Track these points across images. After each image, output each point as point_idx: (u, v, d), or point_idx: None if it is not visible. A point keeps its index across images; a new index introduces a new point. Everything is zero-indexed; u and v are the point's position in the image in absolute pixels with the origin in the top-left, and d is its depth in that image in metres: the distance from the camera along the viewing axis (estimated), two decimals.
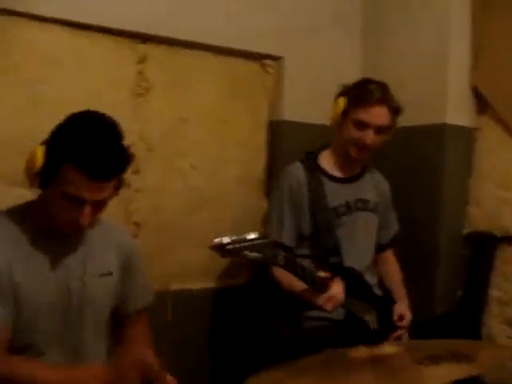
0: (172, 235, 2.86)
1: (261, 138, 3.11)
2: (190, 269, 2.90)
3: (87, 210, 1.78)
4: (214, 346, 2.95)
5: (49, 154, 1.77)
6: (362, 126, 2.49)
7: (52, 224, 1.86)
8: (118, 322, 2.12)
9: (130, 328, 2.12)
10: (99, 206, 1.82)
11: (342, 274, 2.38)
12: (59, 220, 1.83)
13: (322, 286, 2.23)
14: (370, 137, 2.49)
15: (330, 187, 2.58)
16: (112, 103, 2.61)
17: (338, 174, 2.63)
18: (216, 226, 2.92)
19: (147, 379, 1.70)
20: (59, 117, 2.39)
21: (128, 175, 2.54)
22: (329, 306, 2.25)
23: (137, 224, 2.74)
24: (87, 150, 1.73)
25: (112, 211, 1.97)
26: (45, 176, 1.78)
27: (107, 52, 2.66)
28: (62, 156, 1.74)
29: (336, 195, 2.58)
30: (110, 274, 2.01)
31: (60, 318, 1.91)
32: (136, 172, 2.71)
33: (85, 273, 1.95)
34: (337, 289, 2.26)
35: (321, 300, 2.24)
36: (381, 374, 1.63)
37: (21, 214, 1.91)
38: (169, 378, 1.78)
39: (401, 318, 2.64)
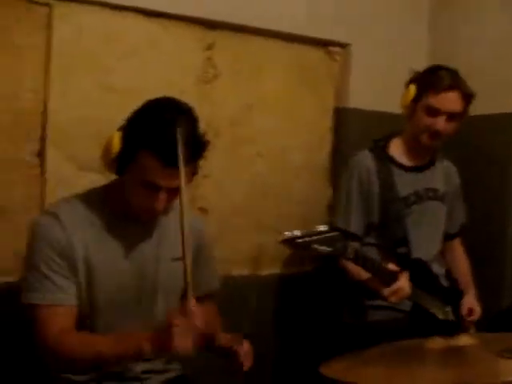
0: (237, 221, 2.88)
1: (326, 124, 3.10)
2: (255, 254, 2.92)
3: (162, 196, 1.80)
4: (278, 333, 2.97)
5: (126, 141, 1.78)
6: (434, 112, 2.46)
7: (127, 208, 1.89)
8: None
9: None
10: (174, 192, 1.83)
11: (410, 265, 2.36)
12: (135, 206, 1.85)
13: (389, 279, 2.22)
14: (441, 123, 2.45)
15: (399, 176, 2.56)
16: (180, 90, 2.63)
17: (407, 162, 2.60)
18: (280, 212, 2.93)
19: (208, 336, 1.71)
20: (130, 103, 2.44)
21: None
22: (393, 299, 2.24)
23: (202, 209, 2.77)
24: (164, 138, 1.73)
25: None
26: (122, 162, 1.80)
27: (177, 39, 2.68)
28: (140, 143, 1.76)
29: (406, 184, 2.56)
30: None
31: (133, 302, 1.95)
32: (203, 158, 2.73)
33: (158, 257, 1.98)
34: (404, 282, 2.24)
35: (387, 291, 2.22)
36: (458, 365, 1.61)
37: (96, 198, 1.94)
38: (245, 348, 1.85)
39: (470, 311, 2.61)
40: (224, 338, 1.96)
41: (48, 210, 1.91)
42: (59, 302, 1.82)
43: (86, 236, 1.87)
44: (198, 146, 1.81)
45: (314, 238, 1.84)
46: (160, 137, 1.74)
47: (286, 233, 1.82)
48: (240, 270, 2.87)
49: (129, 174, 1.82)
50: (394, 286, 2.22)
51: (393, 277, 2.22)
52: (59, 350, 1.78)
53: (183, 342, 1.63)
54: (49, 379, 1.96)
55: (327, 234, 1.88)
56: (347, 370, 1.61)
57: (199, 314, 1.66)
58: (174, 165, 1.74)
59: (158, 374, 2.03)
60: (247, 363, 1.90)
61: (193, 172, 1.86)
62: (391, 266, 2.25)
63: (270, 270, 2.97)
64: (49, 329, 1.79)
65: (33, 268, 1.83)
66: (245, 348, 1.91)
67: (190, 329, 1.64)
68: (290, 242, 1.82)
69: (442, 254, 2.73)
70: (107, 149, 1.82)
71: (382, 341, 2.12)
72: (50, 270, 1.82)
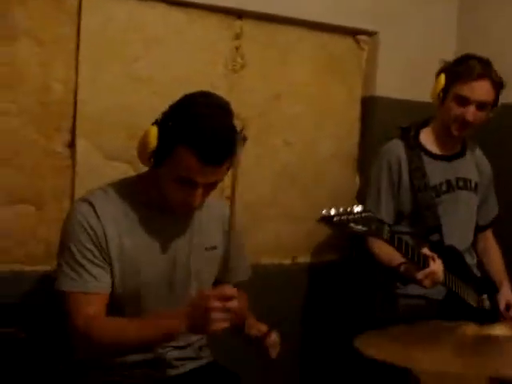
0: (265, 211, 2.89)
1: (354, 113, 3.09)
2: (282, 244, 2.93)
3: (199, 192, 1.80)
4: (304, 321, 2.97)
5: (163, 135, 1.78)
6: (463, 101, 2.44)
7: (161, 200, 1.90)
8: None
9: None
10: (211, 187, 1.85)
11: (443, 252, 2.35)
12: (171, 200, 1.86)
13: (423, 262, 2.20)
14: (471, 113, 2.43)
15: (430, 165, 2.54)
16: (208, 79, 2.66)
17: (438, 151, 2.59)
18: (309, 201, 2.93)
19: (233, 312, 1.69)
20: (158, 93, 2.47)
21: None
22: (427, 282, 2.22)
23: (230, 199, 2.77)
24: (203, 134, 1.73)
25: None
26: (158, 156, 1.80)
27: (204, 28, 2.68)
28: (177, 138, 1.75)
29: (437, 173, 2.55)
30: (215, 247, 2.05)
31: (165, 291, 1.97)
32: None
33: (191, 247, 1.99)
34: (438, 266, 2.22)
35: (420, 275, 2.20)
36: (492, 354, 1.59)
37: (130, 188, 1.95)
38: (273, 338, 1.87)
39: (508, 305, 2.59)
40: (253, 326, 1.97)
41: (84, 198, 1.91)
42: (92, 290, 1.84)
43: (119, 226, 1.89)
44: (234, 143, 1.77)
45: (351, 217, 1.85)
46: (199, 133, 1.74)
47: (324, 211, 1.82)
48: (268, 260, 2.88)
49: (165, 168, 1.81)
50: (428, 270, 2.20)
51: (426, 261, 2.21)
52: (90, 335, 1.79)
53: (219, 324, 1.65)
54: (80, 367, 1.99)
55: (363, 214, 1.88)
56: (379, 347, 1.59)
57: (235, 298, 1.68)
58: (213, 163, 1.75)
59: (191, 360, 2.05)
60: (274, 353, 1.92)
61: (228, 167, 1.86)
62: (425, 251, 2.23)
63: (298, 259, 2.98)
64: (80, 316, 1.81)
65: (67, 255, 1.85)
66: (272, 338, 1.93)
67: (226, 312, 1.65)
68: (327, 219, 1.81)
69: (473, 246, 2.71)
70: (143, 143, 1.82)
71: None
72: (84, 258, 1.84)
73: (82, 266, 1.83)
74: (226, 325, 1.65)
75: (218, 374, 2.08)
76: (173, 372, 2.00)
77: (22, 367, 2.19)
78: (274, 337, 1.94)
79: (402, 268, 2.30)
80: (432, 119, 2.62)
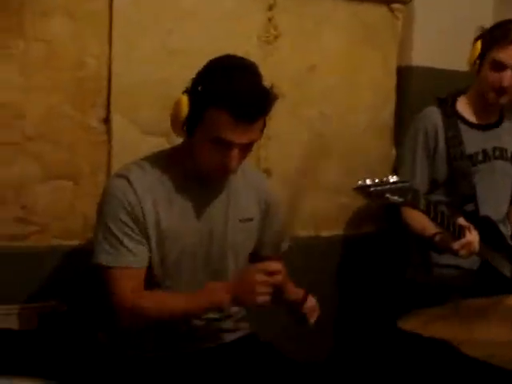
0: (301, 182, 2.87)
1: (390, 84, 3.04)
2: (318, 216, 2.92)
3: (235, 153, 1.80)
4: (341, 294, 2.96)
5: (193, 101, 1.79)
6: (499, 66, 2.40)
7: (197, 170, 1.90)
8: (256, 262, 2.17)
9: None
10: (246, 149, 1.84)
11: (478, 222, 2.32)
12: (207, 166, 1.85)
13: (458, 233, 2.18)
14: (507, 78, 2.39)
15: (467, 134, 2.51)
16: (242, 51, 2.60)
17: (475, 120, 2.56)
18: (345, 172, 2.91)
19: (277, 286, 1.73)
20: (192, 65, 2.44)
21: None
22: (463, 252, 2.20)
23: (266, 171, 2.77)
24: (232, 92, 1.74)
25: None
26: (191, 123, 1.81)
27: (237, 0, 2.66)
28: (207, 101, 1.76)
29: (473, 142, 2.51)
30: (251, 219, 2.05)
31: (202, 263, 1.98)
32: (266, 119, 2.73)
33: (227, 218, 1.99)
34: (474, 237, 2.21)
35: (457, 245, 2.18)
36: None
37: (165, 161, 1.96)
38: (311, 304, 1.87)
39: None
40: (291, 292, 1.99)
41: (120, 173, 1.93)
42: (130, 265, 1.86)
43: (156, 199, 1.89)
44: (265, 99, 1.80)
45: (387, 187, 1.83)
46: (227, 92, 1.74)
47: (360, 181, 1.80)
48: (303, 231, 2.87)
49: (199, 133, 1.82)
50: (464, 240, 2.18)
51: (462, 231, 2.18)
52: (136, 310, 1.83)
53: (263, 298, 1.69)
54: (118, 338, 2.02)
55: (399, 184, 1.86)
56: (424, 324, 1.58)
57: (281, 273, 1.71)
58: (246, 119, 1.75)
59: (229, 332, 2.07)
60: (313, 318, 1.93)
61: (262, 128, 1.85)
62: (461, 221, 2.21)
63: (333, 231, 2.97)
64: (123, 291, 1.84)
65: (105, 230, 1.87)
66: (310, 303, 1.94)
67: (271, 285, 1.69)
68: (363, 189, 1.80)
69: (508, 217, 2.67)
70: (175, 113, 1.83)
71: (449, 299, 2.11)
72: (122, 232, 1.85)
73: (120, 240, 1.85)
74: (268, 298, 1.70)
75: (255, 346, 2.08)
76: (211, 344, 2.02)
77: (64, 339, 2.23)
78: (313, 301, 1.95)
79: (437, 238, 2.28)
80: (469, 88, 2.58)
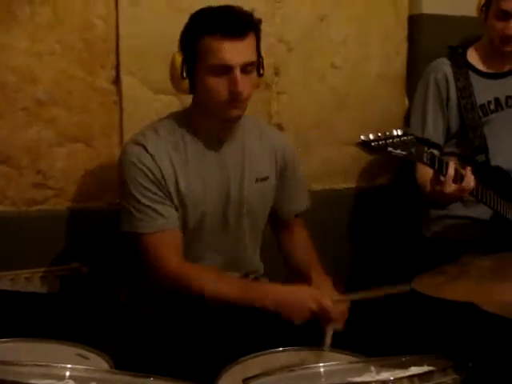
0: (314, 135, 2.86)
1: (401, 33, 2.99)
2: (331, 169, 2.91)
3: (238, 75, 1.81)
4: (354, 246, 2.97)
5: (184, 46, 1.88)
6: (504, 15, 2.37)
7: (210, 125, 1.93)
8: (277, 224, 2.19)
9: (288, 232, 2.19)
10: (248, 75, 1.85)
11: (489, 172, 2.32)
12: (217, 101, 1.85)
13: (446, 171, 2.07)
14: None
15: (478, 82, 2.49)
16: (250, 4, 2.57)
17: (486, 69, 2.53)
18: (357, 124, 2.89)
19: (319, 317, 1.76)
20: None
21: (269, 76, 2.59)
22: (451, 189, 2.05)
23: (279, 125, 2.76)
24: (216, 14, 1.84)
25: (254, 114, 2.00)
26: (189, 66, 1.86)
27: None
28: (196, 34, 1.83)
29: (485, 91, 2.49)
30: (266, 178, 2.05)
31: (220, 225, 2.00)
32: (277, 73, 2.72)
33: (242, 178, 2.00)
34: (469, 181, 2.09)
35: (448, 186, 2.05)
36: None
37: (178, 123, 1.97)
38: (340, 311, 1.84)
39: None
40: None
41: (135, 140, 1.94)
42: (163, 228, 1.88)
43: (173, 163, 1.91)
44: (249, 15, 1.86)
45: (390, 141, 1.81)
46: (214, 15, 1.84)
47: (362, 136, 1.80)
48: (317, 185, 2.87)
49: (199, 70, 1.86)
50: (447, 176, 2.04)
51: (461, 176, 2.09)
52: (182, 282, 1.85)
53: (303, 321, 1.75)
54: (140, 296, 2.06)
55: (403, 138, 1.84)
56: (439, 285, 1.58)
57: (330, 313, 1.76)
58: (236, 34, 1.80)
59: None
60: (340, 323, 1.86)
61: (255, 48, 1.88)
62: (448, 159, 2.13)
63: (348, 183, 2.97)
64: (161, 255, 1.87)
65: (130, 198, 1.89)
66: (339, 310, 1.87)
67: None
68: (365, 144, 1.79)
69: None
70: (172, 68, 1.90)
71: (463, 253, 2.12)
72: (147, 198, 1.88)
73: (148, 206, 1.88)
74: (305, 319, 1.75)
75: None
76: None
77: (87, 301, 2.28)
78: (342, 308, 1.87)
79: (435, 185, 2.13)
80: (479, 36, 2.54)
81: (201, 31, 1.82)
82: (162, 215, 1.88)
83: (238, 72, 1.81)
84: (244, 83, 1.83)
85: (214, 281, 1.86)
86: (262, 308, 1.79)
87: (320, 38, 2.81)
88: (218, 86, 1.83)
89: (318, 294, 1.79)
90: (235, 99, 1.84)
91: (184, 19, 2.45)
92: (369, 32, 2.90)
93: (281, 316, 1.77)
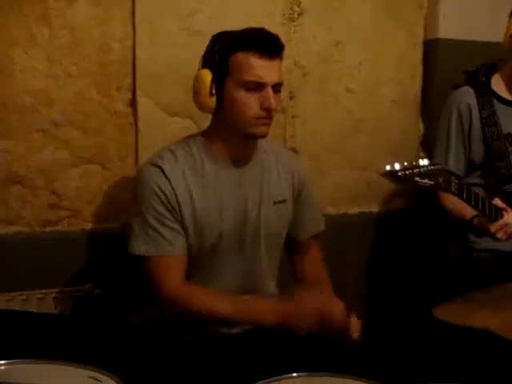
0: (328, 160, 2.86)
1: (417, 57, 3.00)
2: (346, 193, 2.91)
3: (271, 92, 1.84)
4: (371, 273, 2.96)
5: (211, 61, 1.88)
6: None
7: (229, 150, 1.94)
8: (292, 248, 2.17)
9: (303, 254, 2.17)
10: (276, 97, 1.88)
11: None
12: (248, 115, 1.86)
13: (495, 214, 2.12)
14: None
15: (503, 112, 2.45)
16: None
17: (511, 97, 2.48)
18: (372, 149, 2.89)
19: (326, 329, 1.75)
20: None
21: (284, 100, 2.60)
22: (501, 234, 2.13)
23: (293, 149, 2.76)
24: (250, 33, 1.86)
25: (269, 138, 2.00)
26: (218, 81, 1.86)
27: None
28: (229, 49, 1.85)
29: (510, 121, 2.45)
30: (284, 201, 2.05)
31: (237, 245, 1.98)
32: (292, 97, 2.73)
33: (261, 200, 1.99)
34: (511, 218, 2.13)
35: (494, 227, 2.12)
36: None
37: (196, 144, 1.97)
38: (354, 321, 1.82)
39: None
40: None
41: (152, 161, 1.93)
42: (168, 254, 1.88)
43: (190, 185, 1.91)
44: (278, 37, 1.88)
45: (416, 171, 1.78)
46: (248, 34, 1.86)
47: (388, 166, 1.76)
48: (332, 209, 2.87)
49: (230, 86, 1.86)
50: (501, 222, 2.12)
51: (499, 213, 2.12)
52: (182, 302, 1.86)
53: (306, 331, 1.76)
54: (150, 320, 2.05)
55: (429, 168, 1.82)
56: (461, 313, 1.56)
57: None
58: (270, 53, 1.83)
59: None
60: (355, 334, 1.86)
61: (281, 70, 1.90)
62: (497, 201, 2.14)
63: (363, 208, 2.96)
64: (162, 279, 1.87)
65: (141, 220, 1.89)
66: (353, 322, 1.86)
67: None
68: (391, 174, 1.76)
69: None
70: (196, 86, 1.90)
71: (488, 285, 2.08)
72: (158, 222, 1.87)
73: (156, 230, 1.87)
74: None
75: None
76: (239, 329, 1.99)
77: (99, 323, 2.27)
78: (356, 321, 1.86)
79: (476, 221, 2.24)
80: (500, 61, 2.51)
81: (235, 48, 1.83)
82: (168, 241, 1.88)
83: (270, 90, 1.84)
84: (275, 101, 1.86)
85: (213, 300, 1.86)
86: (263, 326, 1.82)
87: (335, 62, 2.82)
88: (250, 100, 1.84)
89: (315, 300, 1.80)
90: (265, 116, 1.86)
91: (201, 43, 2.47)
92: (383, 56, 2.91)
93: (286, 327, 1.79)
